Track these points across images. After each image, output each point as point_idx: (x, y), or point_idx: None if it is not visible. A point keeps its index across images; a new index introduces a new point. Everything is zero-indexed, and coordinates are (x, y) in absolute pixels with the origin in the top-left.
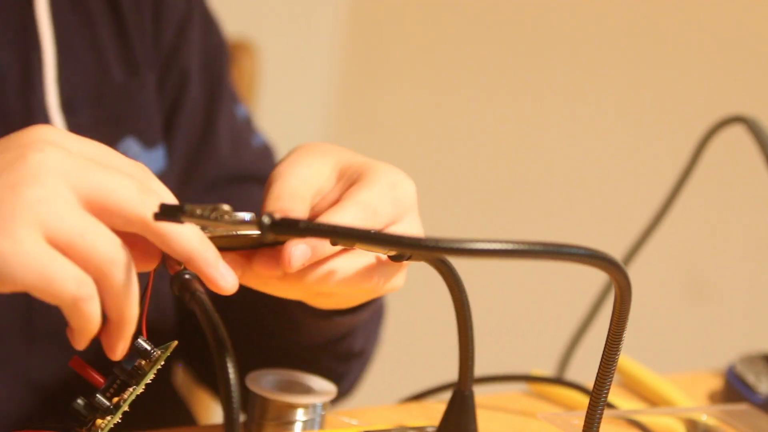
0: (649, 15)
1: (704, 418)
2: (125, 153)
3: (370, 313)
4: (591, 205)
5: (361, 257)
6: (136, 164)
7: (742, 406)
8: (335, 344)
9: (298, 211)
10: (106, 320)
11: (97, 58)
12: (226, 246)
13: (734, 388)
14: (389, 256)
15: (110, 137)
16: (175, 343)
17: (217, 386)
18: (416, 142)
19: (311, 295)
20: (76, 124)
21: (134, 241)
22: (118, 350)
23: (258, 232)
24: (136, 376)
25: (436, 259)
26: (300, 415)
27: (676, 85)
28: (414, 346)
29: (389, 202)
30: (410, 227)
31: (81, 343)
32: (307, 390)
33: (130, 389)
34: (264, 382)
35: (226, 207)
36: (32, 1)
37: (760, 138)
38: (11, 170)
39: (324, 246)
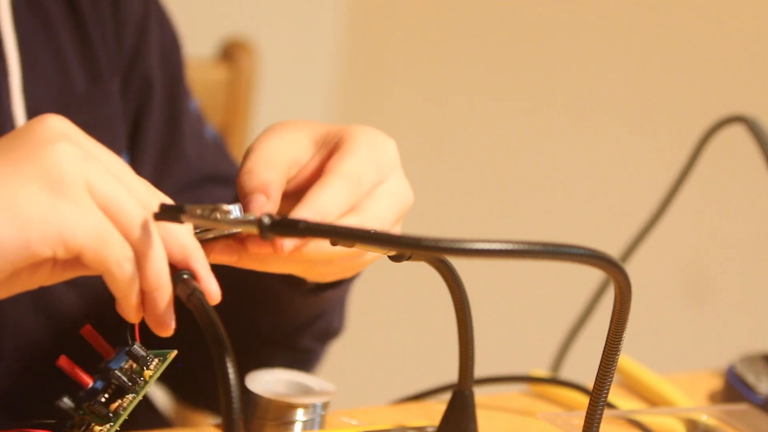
0: (649, 15)
1: (704, 418)
2: None
3: (347, 288)
4: (591, 205)
5: (355, 219)
6: (151, 192)
7: (742, 406)
8: (315, 322)
9: (273, 180)
10: (144, 296)
11: (59, 67)
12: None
13: (734, 388)
14: (389, 256)
15: None
16: (175, 352)
17: (187, 393)
18: (416, 142)
19: (308, 267)
20: None
21: None
22: (168, 321)
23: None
24: (134, 382)
25: (436, 259)
26: (300, 415)
27: (676, 85)
28: (414, 346)
29: (372, 165)
30: (395, 185)
31: (133, 313)
32: (307, 390)
33: (129, 397)
34: (264, 382)
35: (226, 207)
36: None
37: (760, 138)
38: (39, 132)
39: None
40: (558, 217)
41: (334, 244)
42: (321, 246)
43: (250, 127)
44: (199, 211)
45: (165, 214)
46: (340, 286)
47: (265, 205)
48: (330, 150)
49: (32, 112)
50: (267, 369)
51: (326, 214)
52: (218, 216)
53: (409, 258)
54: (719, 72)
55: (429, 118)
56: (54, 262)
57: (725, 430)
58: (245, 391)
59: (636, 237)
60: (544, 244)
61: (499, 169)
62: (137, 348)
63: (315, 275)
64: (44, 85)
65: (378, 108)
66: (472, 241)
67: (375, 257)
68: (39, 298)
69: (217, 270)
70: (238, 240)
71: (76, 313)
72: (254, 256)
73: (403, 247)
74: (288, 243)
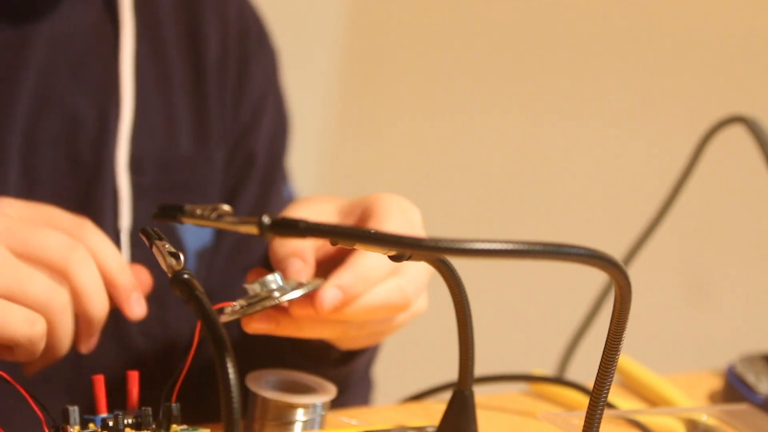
0: (649, 15)
1: (704, 418)
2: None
3: (368, 361)
4: (591, 205)
5: (387, 284)
6: (75, 219)
7: (742, 406)
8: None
9: (305, 246)
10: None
11: (169, 123)
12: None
13: (734, 388)
14: (389, 256)
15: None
16: None
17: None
18: (416, 142)
19: (342, 331)
20: (139, 185)
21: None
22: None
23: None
24: (158, 426)
25: (436, 259)
26: (300, 415)
27: (676, 85)
28: (414, 346)
29: (407, 227)
30: None
31: (31, 371)
32: (307, 390)
33: None
34: (264, 382)
35: (226, 207)
36: (118, 54)
37: (760, 138)
38: None
39: (355, 287)
40: (559, 218)
41: (334, 243)
42: (359, 305)
43: None
44: (198, 211)
45: (164, 213)
46: (361, 358)
47: (303, 270)
48: (358, 217)
49: (135, 161)
50: (267, 369)
51: (368, 279)
52: (218, 216)
53: (409, 258)
54: (719, 72)
55: (429, 118)
56: None
57: (725, 430)
58: (245, 391)
59: (639, 238)
60: (544, 244)
61: (500, 170)
62: (175, 407)
63: (346, 340)
64: (151, 137)
65: (378, 109)
66: (472, 241)
67: (406, 319)
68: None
69: (237, 350)
70: (277, 309)
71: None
72: (292, 322)
73: (403, 247)
74: (328, 302)
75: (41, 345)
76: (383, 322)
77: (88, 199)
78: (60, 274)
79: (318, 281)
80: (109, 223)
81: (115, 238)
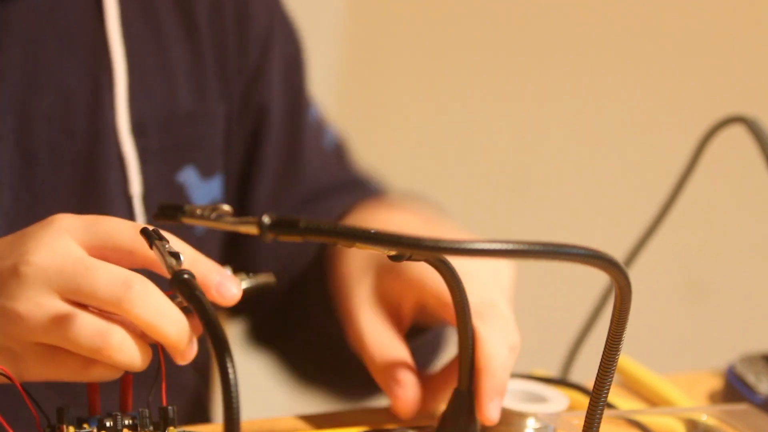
0: (649, 15)
1: (704, 418)
2: (184, 181)
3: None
4: (591, 205)
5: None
6: (134, 230)
7: (742, 406)
8: None
9: (403, 352)
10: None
11: (166, 82)
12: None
13: (734, 388)
14: (389, 256)
15: (172, 164)
16: None
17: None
18: (416, 142)
19: None
20: (144, 147)
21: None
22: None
23: None
24: (155, 427)
25: (436, 259)
26: (532, 423)
27: (676, 85)
28: None
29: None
30: None
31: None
32: (540, 400)
33: None
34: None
35: (226, 207)
36: (103, 21)
37: (760, 138)
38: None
39: (499, 388)
40: (559, 219)
41: (334, 243)
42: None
43: None
44: (198, 211)
45: (163, 213)
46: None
47: (415, 383)
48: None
49: (137, 124)
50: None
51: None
52: (218, 216)
53: (409, 258)
54: (719, 72)
55: (428, 118)
56: None
57: (725, 430)
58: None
59: (640, 239)
60: (544, 244)
61: (500, 169)
62: (170, 410)
63: None
64: (150, 98)
65: (378, 108)
66: (472, 241)
67: None
68: None
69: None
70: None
71: None
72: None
73: (403, 247)
74: (495, 416)
75: (107, 375)
76: None
77: (92, 170)
78: (116, 312)
79: (268, 276)
80: (119, 191)
81: (127, 206)
